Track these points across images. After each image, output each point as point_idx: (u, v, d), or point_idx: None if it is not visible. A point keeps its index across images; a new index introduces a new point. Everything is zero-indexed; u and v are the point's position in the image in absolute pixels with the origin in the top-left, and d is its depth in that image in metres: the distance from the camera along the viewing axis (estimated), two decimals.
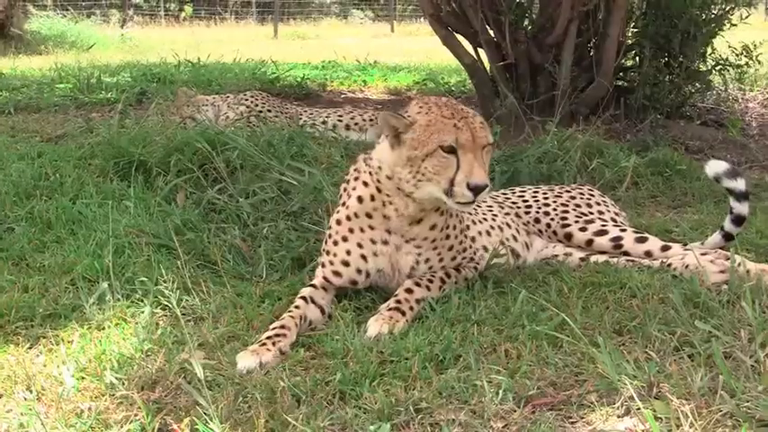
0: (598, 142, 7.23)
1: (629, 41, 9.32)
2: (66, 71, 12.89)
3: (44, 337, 3.88)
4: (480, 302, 4.10)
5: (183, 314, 3.92)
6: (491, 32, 9.22)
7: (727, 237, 4.86)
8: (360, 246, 4.20)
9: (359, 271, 4.22)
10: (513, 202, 5.15)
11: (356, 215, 4.21)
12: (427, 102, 4.17)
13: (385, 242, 4.20)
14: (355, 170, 4.35)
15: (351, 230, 4.22)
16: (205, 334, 3.82)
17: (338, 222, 4.26)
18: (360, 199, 4.21)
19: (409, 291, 4.09)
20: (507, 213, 5.00)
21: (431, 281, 4.20)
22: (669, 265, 4.57)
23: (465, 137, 3.97)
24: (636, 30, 9.42)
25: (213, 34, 29.15)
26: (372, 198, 4.19)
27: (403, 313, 3.92)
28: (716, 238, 4.90)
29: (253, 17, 37.08)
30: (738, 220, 4.82)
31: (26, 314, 4.12)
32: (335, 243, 4.25)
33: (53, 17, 25.67)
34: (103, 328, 3.93)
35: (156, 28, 31.57)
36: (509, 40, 8.87)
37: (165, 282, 3.69)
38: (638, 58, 9.37)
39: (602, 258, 4.79)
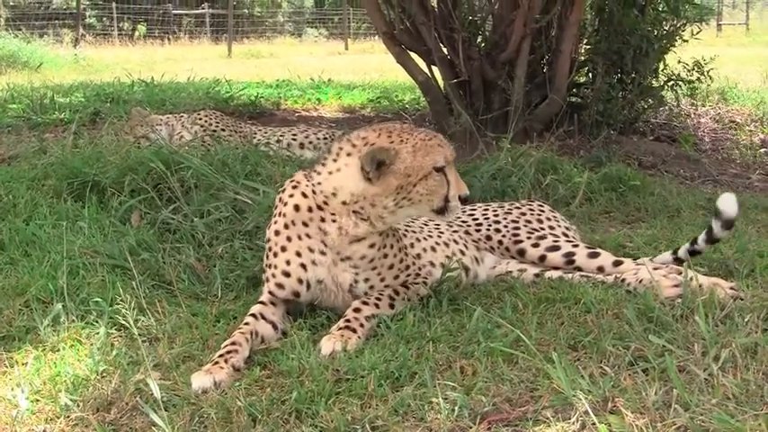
0: (552, 158, 7.28)
1: (582, 58, 9.45)
2: (19, 91, 12.76)
3: None
4: (435, 319, 4.11)
5: (139, 334, 3.89)
6: (444, 50, 9.30)
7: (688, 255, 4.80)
8: (298, 254, 4.18)
9: (300, 281, 4.18)
10: (463, 221, 5.16)
11: (293, 223, 4.19)
12: (390, 129, 4.21)
13: (322, 252, 4.20)
14: (293, 182, 4.34)
15: (288, 239, 4.19)
16: (161, 354, 3.79)
17: (276, 233, 4.24)
18: (296, 207, 4.20)
19: (357, 309, 4.08)
20: (455, 231, 5.03)
21: (379, 299, 4.19)
22: (623, 280, 4.60)
23: (449, 154, 4.17)
24: (589, 46, 9.55)
25: (167, 53, 29.07)
26: (310, 209, 4.18)
27: (354, 330, 3.92)
28: (683, 253, 4.83)
29: (207, 36, 36.96)
30: (711, 241, 4.75)
31: None
32: (275, 255, 4.22)
33: (5, 36, 25.44)
34: (58, 350, 3.90)
35: (110, 47, 31.34)
36: (462, 57, 8.93)
37: (120, 302, 3.68)
38: (590, 75, 9.50)
39: (556, 274, 4.81)
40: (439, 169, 4.11)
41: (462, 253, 4.88)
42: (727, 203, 4.57)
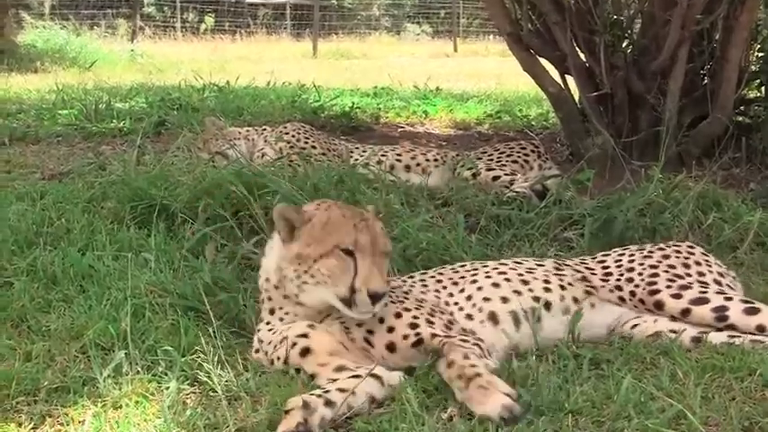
0: (714, 192, 7.13)
1: (753, 68, 9.29)
2: (70, 94, 13.07)
3: (50, 416, 3.91)
4: (575, 387, 4.06)
5: (216, 392, 3.95)
6: (582, 56, 9.27)
7: None
8: None
9: None
10: (588, 267, 5.16)
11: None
12: (327, 201, 4.65)
13: None
14: None
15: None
16: (242, 417, 3.82)
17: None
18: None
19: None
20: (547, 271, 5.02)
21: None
22: None
23: (365, 239, 4.30)
24: (761, 54, 9.39)
25: (239, 51, 29.51)
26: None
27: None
28: None
29: (287, 31, 37.40)
30: None
31: (29, 387, 4.12)
32: None
33: (51, 28, 26.04)
34: (120, 407, 3.94)
35: (172, 42, 31.94)
36: (604, 65, 8.87)
37: (196, 352, 3.74)
38: (764, 89, 9.33)
39: (721, 337, 4.70)
40: (347, 251, 4.30)
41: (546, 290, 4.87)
42: None
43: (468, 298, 4.74)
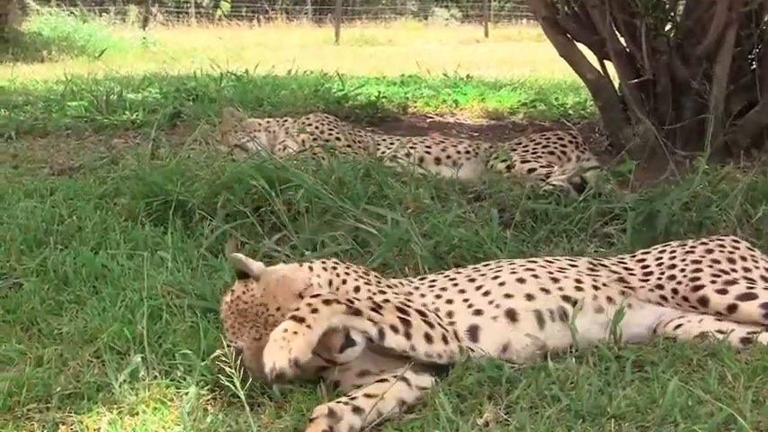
0: (764, 184, 7.09)
1: None
2: (79, 84, 13.11)
3: (63, 423, 3.94)
4: (618, 390, 4.05)
5: (238, 398, 3.97)
6: (622, 40, 9.24)
7: None
8: None
9: None
10: (627, 267, 5.10)
11: None
12: None
13: None
14: None
15: None
16: (266, 423, 3.86)
17: None
18: None
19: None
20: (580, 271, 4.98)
21: None
22: None
23: None
24: None
25: (258, 37, 29.57)
26: None
27: None
28: None
29: (308, 16, 37.43)
30: None
31: (40, 393, 4.14)
32: None
33: (57, 15, 26.14)
34: (137, 413, 3.96)
35: (186, 30, 32.08)
36: (646, 49, 8.81)
37: (219, 356, 3.74)
38: None
39: None
40: None
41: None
42: None
43: (486, 294, 4.76)
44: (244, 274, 4.39)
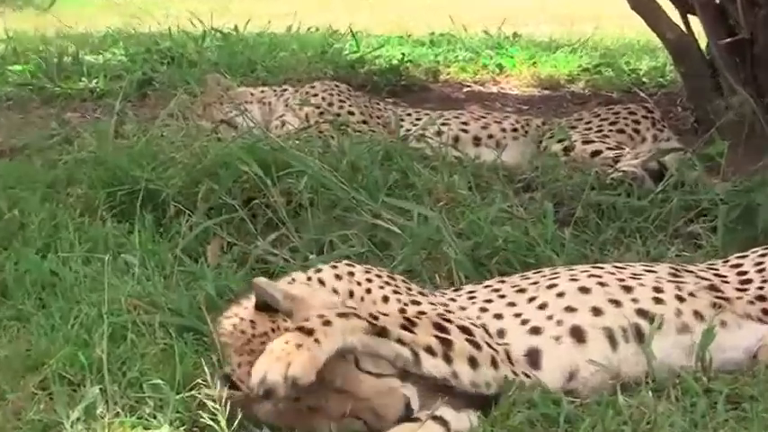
0: None
1: None
2: (23, 43, 13.12)
3: None
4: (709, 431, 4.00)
5: None
6: None
7: None
8: None
9: None
10: (719, 274, 5.00)
11: None
12: None
13: None
14: None
15: None
16: None
17: None
18: None
19: None
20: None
21: None
22: None
23: None
24: None
25: None
26: None
27: None
28: None
29: None
30: None
31: None
32: None
33: None
34: None
35: None
36: (741, 2, 8.72)
37: (199, 385, 3.69)
38: None
39: None
40: None
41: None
42: None
43: (542, 307, 4.61)
44: (267, 306, 4.26)
